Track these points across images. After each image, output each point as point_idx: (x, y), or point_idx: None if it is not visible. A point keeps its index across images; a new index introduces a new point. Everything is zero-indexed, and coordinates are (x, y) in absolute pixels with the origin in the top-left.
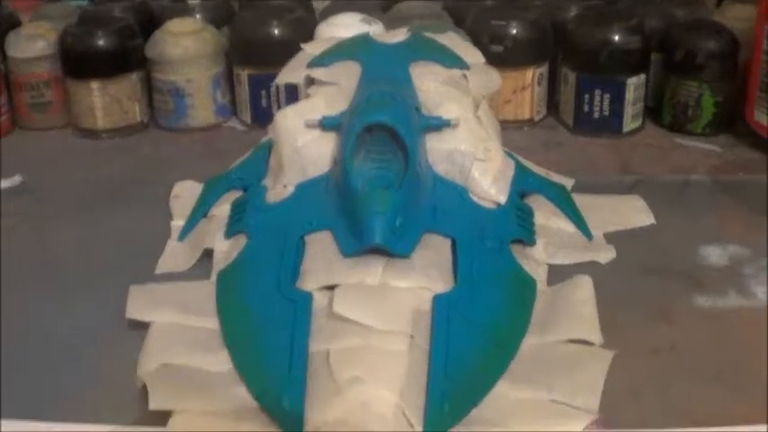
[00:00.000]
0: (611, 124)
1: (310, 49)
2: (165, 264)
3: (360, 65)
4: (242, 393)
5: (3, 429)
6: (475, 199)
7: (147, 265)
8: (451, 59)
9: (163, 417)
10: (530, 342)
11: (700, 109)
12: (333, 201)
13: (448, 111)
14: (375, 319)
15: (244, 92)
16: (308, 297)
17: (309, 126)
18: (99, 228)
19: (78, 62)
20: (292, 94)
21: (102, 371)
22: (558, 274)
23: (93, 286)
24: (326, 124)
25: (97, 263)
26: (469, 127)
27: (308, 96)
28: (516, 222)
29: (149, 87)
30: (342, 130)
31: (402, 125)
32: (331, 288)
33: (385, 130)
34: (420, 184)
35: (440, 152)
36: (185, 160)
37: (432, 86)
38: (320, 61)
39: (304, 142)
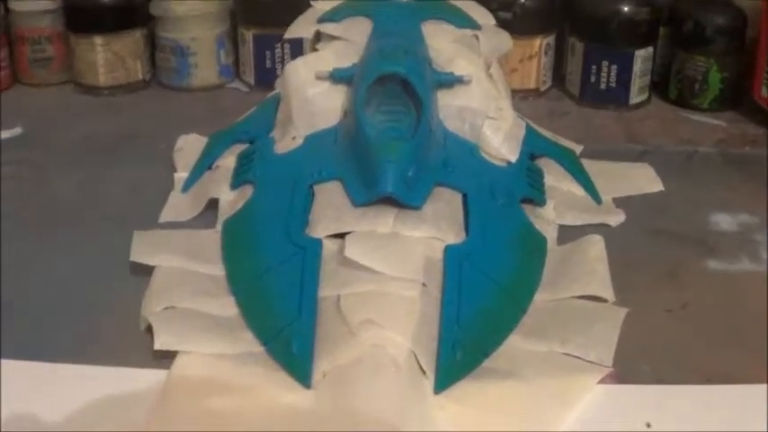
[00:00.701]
0: (617, 96)
1: (320, 6)
2: (169, 213)
3: (371, 21)
4: (248, 337)
5: (3, 369)
6: (486, 156)
7: (150, 214)
8: (463, 20)
9: (166, 360)
10: (542, 297)
11: (706, 84)
12: (343, 152)
13: (460, 67)
14: (386, 265)
15: (248, 52)
16: (317, 243)
17: (319, 78)
18: (100, 178)
19: (82, 17)
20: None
21: (104, 314)
22: (568, 235)
23: (94, 233)
24: (337, 76)
25: (98, 211)
26: (481, 85)
27: (316, 51)
28: (526, 182)
29: (153, 45)
30: (353, 81)
31: (415, 76)
32: (341, 237)
33: (397, 81)
34: (432, 138)
35: (451, 109)
36: (187, 118)
37: (443, 44)
38: (331, 17)
39: (314, 94)
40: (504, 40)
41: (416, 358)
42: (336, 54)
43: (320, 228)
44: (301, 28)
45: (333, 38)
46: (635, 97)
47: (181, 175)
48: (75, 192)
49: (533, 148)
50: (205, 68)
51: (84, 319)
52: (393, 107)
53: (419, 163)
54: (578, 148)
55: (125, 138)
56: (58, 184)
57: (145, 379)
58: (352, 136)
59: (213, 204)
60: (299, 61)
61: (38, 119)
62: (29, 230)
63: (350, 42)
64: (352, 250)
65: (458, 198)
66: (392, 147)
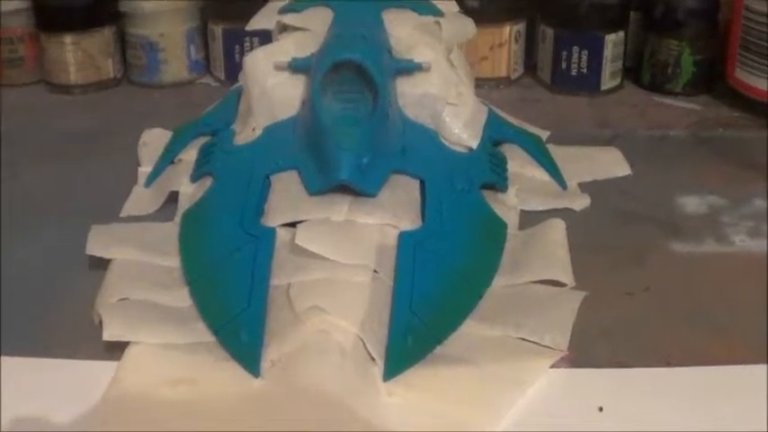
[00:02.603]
0: (588, 82)
1: None
2: (130, 208)
3: (332, 10)
4: (200, 328)
5: None
6: (446, 143)
7: (113, 209)
8: (425, 8)
9: (118, 352)
10: (499, 283)
11: (679, 68)
12: (300, 141)
13: (420, 54)
14: (337, 252)
15: (218, 47)
16: (270, 232)
17: (279, 68)
18: (65, 175)
19: (51, 16)
20: None
21: (57, 308)
22: (531, 220)
23: (55, 228)
24: (296, 66)
25: (61, 207)
26: (441, 71)
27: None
28: (488, 168)
29: (123, 43)
30: (311, 69)
31: (371, 62)
32: (295, 225)
33: (354, 68)
34: (389, 125)
35: (411, 96)
36: (157, 114)
37: (404, 31)
38: (292, 7)
39: (273, 84)
40: (467, 26)
41: (365, 344)
42: (296, 44)
43: (274, 217)
44: (264, 19)
45: (295, 29)
46: (607, 83)
47: (144, 170)
48: (41, 188)
49: (496, 134)
50: (175, 64)
51: (37, 312)
52: (350, 95)
53: (375, 150)
54: (545, 134)
55: (93, 135)
56: (24, 181)
57: (95, 371)
58: (309, 124)
59: (175, 197)
60: (259, 52)
61: (6, 118)
62: None
63: (310, 32)
64: (303, 237)
65: (415, 185)
66: (347, 133)
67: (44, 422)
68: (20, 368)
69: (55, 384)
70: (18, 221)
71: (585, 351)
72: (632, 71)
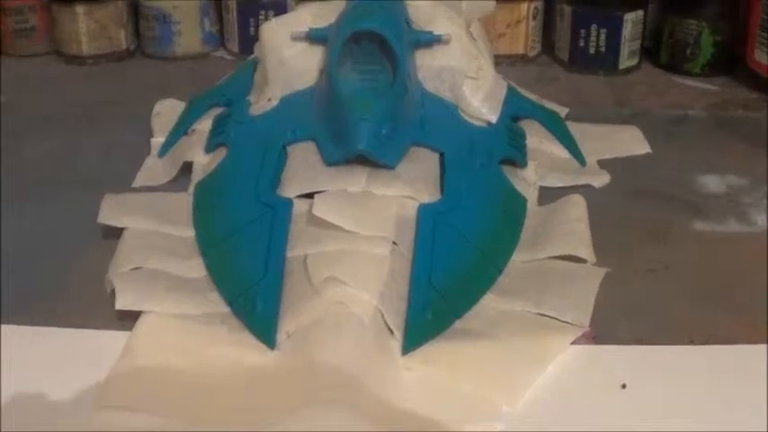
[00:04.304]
0: (606, 61)
1: None
2: (143, 178)
3: None
4: (214, 298)
5: None
6: (465, 117)
7: (126, 179)
8: None
9: (131, 323)
10: (519, 258)
11: (698, 48)
12: (317, 112)
13: (439, 26)
14: (356, 223)
15: (232, 20)
16: (287, 203)
17: (295, 38)
18: (78, 145)
19: None
20: None
21: (71, 277)
22: (550, 196)
23: (67, 197)
24: (313, 36)
25: (74, 176)
26: (461, 44)
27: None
28: (507, 142)
29: (136, 14)
30: (329, 40)
31: (391, 33)
32: (312, 196)
33: (373, 39)
34: (408, 97)
35: (430, 69)
36: (170, 86)
37: (423, 4)
38: None
39: (290, 54)
40: (487, 0)
41: (383, 317)
42: (313, 14)
43: (291, 187)
44: None
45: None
46: (625, 62)
47: (158, 140)
48: (53, 157)
49: (516, 110)
50: (189, 36)
51: (49, 282)
52: (368, 66)
53: (394, 122)
54: (563, 111)
55: (105, 105)
56: (36, 150)
57: (108, 340)
58: (327, 95)
59: (188, 168)
60: (275, 22)
61: (20, 88)
62: (3, 195)
63: (327, 2)
64: (320, 208)
65: (435, 158)
66: (366, 104)
67: (55, 392)
68: (32, 337)
69: (67, 354)
70: (31, 191)
71: (607, 328)
72: (651, 51)
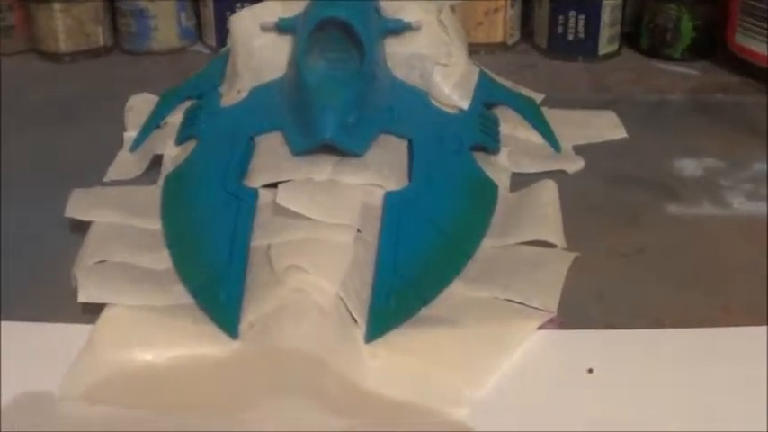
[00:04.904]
0: (586, 47)
1: None
2: (114, 172)
3: None
4: (178, 290)
5: None
6: (436, 104)
7: (97, 174)
8: None
9: (96, 316)
10: (489, 244)
11: (678, 33)
12: (285, 102)
13: (409, 13)
14: (319, 211)
15: (209, 14)
16: (252, 193)
17: (265, 29)
18: (50, 141)
19: None
20: None
21: (38, 271)
22: (524, 182)
23: (38, 193)
24: (283, 26)
25: (46, 172)
26: (431, 30)
27: None
28: (479, 129)
29: (113, 10)
30: (297, 28)
31: (358, 21)
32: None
33: (340, 27)
34: (376, 84)
35: (400, 56)
36: (147, 82)
37: None
38: None
39: (259, 45)
40: None
41: (346, 305)
42: (283, 4)
43: (257, 177)
44: None
45: None
46: (604, 48)
47: (130, 135)
48: (25, 154)
49: (489, 96)
50: (165, 31)
51: (16, 276)
52: (336, 53)
53: (361, 109)
54: (539, 97)
55: (83, 101)
56: (9, 147)
57: (71, 334)
58: (294, 84)
59: (160, 161)
60: (245, 12)
61: None
62: None
63: None
64: (283, 197)
65: (403, 146)
66: (331, 92)
67: (18, 385)
68: None
69: (31, 347)
70: (4, 187)
71: (577, 313)
72: (631, 37)
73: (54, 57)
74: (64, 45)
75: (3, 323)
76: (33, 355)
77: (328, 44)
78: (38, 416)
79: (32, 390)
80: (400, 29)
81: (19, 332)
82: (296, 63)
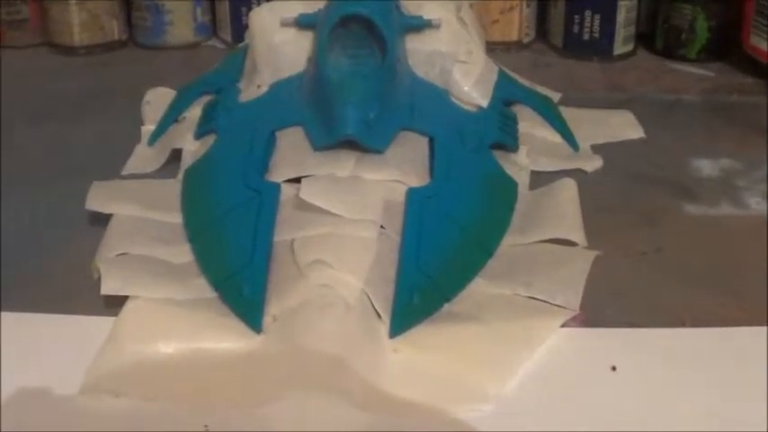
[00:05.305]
0: (601, 46)
1: None
2: (133, 165)
3: None
4: (200, 283)
5: None
6: (456, 101)
7: (115, 167)
8: None
9: (118, 309)
10: (510, 241)
11: (693, 33)
12: (306, 97)
13: (429, 11)
14: (343, 207)
15: (225, 9)
16: (275, 187)
17: (285, 24)
18: (68, 134)
19: None
20: None
21: (59, 264)
22: (542, 181)
23: (56, 185)
24: (303, 22)
25: (63, 165)
26: (451, 28)
27: None
28: (498, 127)
29: (129, 5)
30: (318, 24)
31: (379, 17)
32: (301, 181)
33: (362, 23)
34: (397, 81)
35: (420, 54)
36: (162, 76)
37: None
38: None
39: (279, 41)
40: None
41: (370, 300)
42: (302, 1)
43: (279, 172)
44: None
45: None
46: (619, 48)
47: (148, 128)
48: (43, 146)
49: (507, 95)
50: (181, 26)
51: (36, 268)
52: (357, 50)
53: (382, 106)
54: (556, 96)
55: (98, 95)
56: (23, 140)
57: (93, 326)
58: (315, 80)
59: (178, 155)
60: (264, 7)
61: (9, 79)
62: None
63: None
64: (307, 192)
65: (424, 143)
66: (353, 88)
67: (40, 378)
68: (18, 323)
69: (52, 340)
70: (22, 180)
71: (597, 311)
72: (646, 37)
73: (69, 50)
74: (79, 39)
75: (26, 315)
76: (56, 347)
77: (349, 40)
78: (60, 406)
79: (54, 382)
80: (420, 26)
81: (42, 324)
82: (317, 59)
